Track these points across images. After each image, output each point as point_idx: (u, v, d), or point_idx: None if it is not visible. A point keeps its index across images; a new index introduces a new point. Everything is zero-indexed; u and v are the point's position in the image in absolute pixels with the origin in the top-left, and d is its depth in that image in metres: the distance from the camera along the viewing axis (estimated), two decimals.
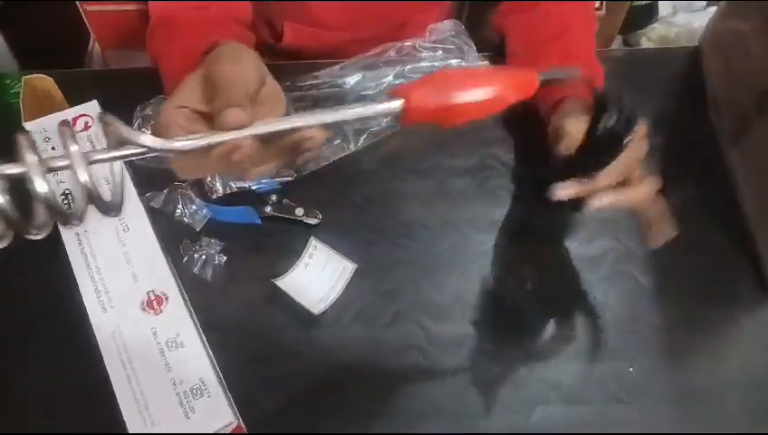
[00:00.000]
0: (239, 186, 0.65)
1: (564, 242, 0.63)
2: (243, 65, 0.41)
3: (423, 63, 0.73)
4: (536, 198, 0.66)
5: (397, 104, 0.39)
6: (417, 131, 0.71)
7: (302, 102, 0.71)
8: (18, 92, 0.69)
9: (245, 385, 0.52)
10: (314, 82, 0.72)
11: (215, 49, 0.43)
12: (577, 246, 0.63)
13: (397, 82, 0.72)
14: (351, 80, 0.72)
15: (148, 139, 0.35)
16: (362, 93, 0.71)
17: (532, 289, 0.55)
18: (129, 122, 0.66)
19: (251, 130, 0.37)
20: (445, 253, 0.63)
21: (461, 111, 0.41)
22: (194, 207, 0.63)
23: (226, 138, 0.36)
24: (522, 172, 0.69)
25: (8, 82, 0.72)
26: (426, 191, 0.67)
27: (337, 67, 0.73)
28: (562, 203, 0.55)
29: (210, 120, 0.40)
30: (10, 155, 0.31)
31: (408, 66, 0.73)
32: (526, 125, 0.71)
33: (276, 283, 0.58)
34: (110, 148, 0.35)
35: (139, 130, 0.65)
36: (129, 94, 0.67)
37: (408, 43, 0.74)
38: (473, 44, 0.75)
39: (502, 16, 0.75)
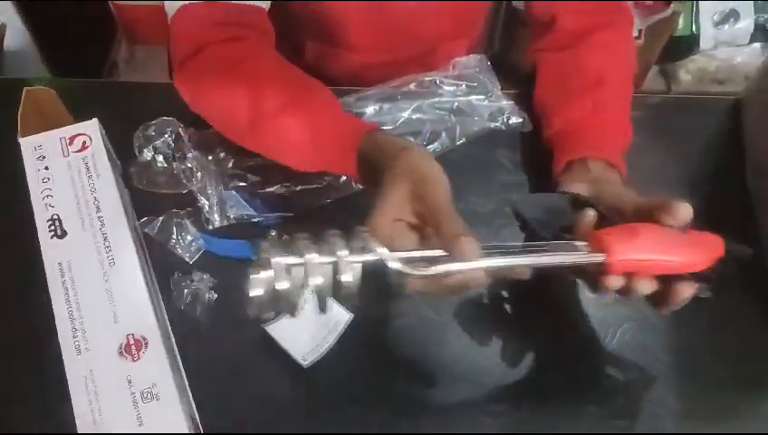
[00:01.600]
0: (237, 216, 0.62)
1: (581, 305, 0.59)
2: (445, 185, 0.46)
3: (444, 99, 0.70)
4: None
5: (599, 257, 0.45)
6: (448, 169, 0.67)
7: None
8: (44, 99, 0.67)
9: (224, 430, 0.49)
10: None
11: (404, 155, 0.48)
12: (593, 309, 0.59)
13: (414, 117, 0.68)
14: (368, 110, 0.69)
15: (398, 264, 0.41)
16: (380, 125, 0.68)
17: (545, 351, 0.51)
18: (128, 140, 0.63)
19: (486, 262, 0.42)
20: (446, 307, 0.59)
21: (655, 268, 0.46)
22: (189, 237, 0.60)
23: (465, 267, 0.41)
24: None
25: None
26: None
27: (353, 97, 0.70)
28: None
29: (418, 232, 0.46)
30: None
31: (428, 101, 0.69)
32: (545, 169, 0.67)
33: (266, 328, 0.55)
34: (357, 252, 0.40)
35: (139, 151, 0.62)
36: (135, 109, 0.65)
37: (430, 78, 0.70)
38: (497, 82, 0.71)
39: (535, 46, 0.71)
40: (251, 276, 0.40)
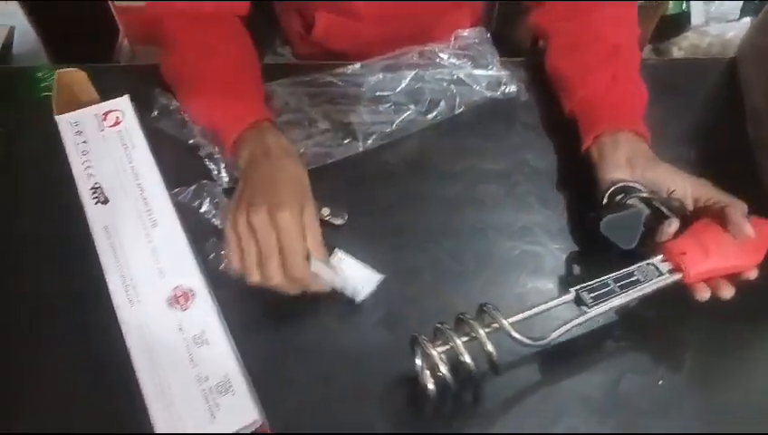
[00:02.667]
0: None
1: (598, 248, 0.62)
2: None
3: (444, 69, 0.73)
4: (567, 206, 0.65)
5: (676, 277, 0.54)
6: (445, 134, 0.71)
7: (318, 98, 0.71)
8: (49, 86, 0.70)
9: (270, 385, 0.52)
10: (333, 79, 0.73)
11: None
12: (611, 253, 0.61)
13: (416, 86, 0.72)
14: (371, 79, 0.72)
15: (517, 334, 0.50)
16: (379, 93, 0.72)
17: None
18: (147, 116, 0.67)
19: (591, 313, 0.53)
20: (471, 260, 0.62)
21: (725, 272, 0.54)
22: (220, 203, 0.62)
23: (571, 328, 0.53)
24: (551, 178, 0.68)
25: (39, 75, 0.73)
26: (453, 195, 0.66)
27: (358, 66, 0.73)
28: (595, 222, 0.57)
29: None
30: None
31: (429, 71, 0.72)
32: (557, 129, 0.70)
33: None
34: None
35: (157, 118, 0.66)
36: (154, 90, 0.68)
37: (431, 48, 0.73)
38: (497, 54, 0.74)
39: (542, 16, 0.74)
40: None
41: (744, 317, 0.57)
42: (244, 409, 0.45)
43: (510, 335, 0.50)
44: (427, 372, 0.49)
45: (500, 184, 0.67)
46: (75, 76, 0.64)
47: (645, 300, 0.55)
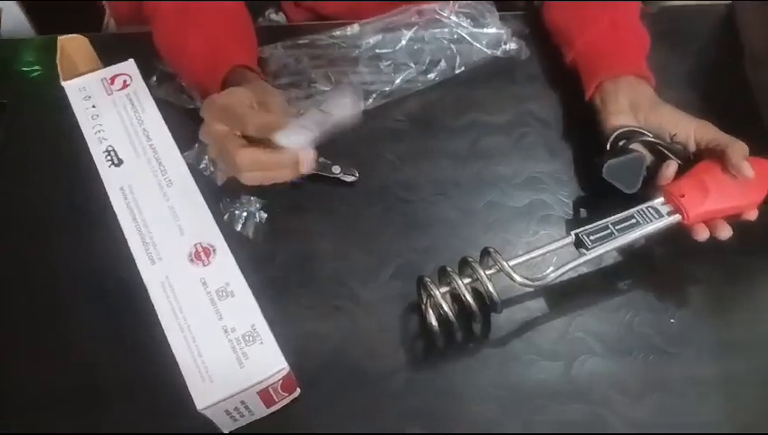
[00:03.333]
0: None
1: (604, 193, 0.63)
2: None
3: (444, 29, 0.72)
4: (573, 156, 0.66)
5: (675, 219, 0.55)
6: (450, 92, 0.71)
7: (318, 60, 0.71)
8: (31, 60, 0.70)
9: (291, 339, 0.53)
10: (332, 41, 0.72)
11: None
12: (617, 197, 0.62)
13: (415, 46, 0.71)
14: (370, 39, 0.72)
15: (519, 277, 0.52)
16: (378, 52, 0.71)
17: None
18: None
19: (589, 256, 0.54)
20: (480, 211, 0.63)
21: (725, 213, 0.55)
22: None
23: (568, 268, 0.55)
24: (557, 128, 0.68)
25: (22, 48, 0.73)
26: (460, 149, 0.67)
27: (356, 26, 0.73)
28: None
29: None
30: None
31: (428, 31, 0.72)
32: (561, 80, 0.71)
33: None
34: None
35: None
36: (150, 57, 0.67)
37: (430, 7, 0.73)
38: (496, 13, 0.74)
39: None
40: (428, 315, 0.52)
41: (752, 251, 0.59)
42: (273, 357, 0.46)
43: (510, 276, 0.51)
44: (431, 311, 0.52)
45: (506, 136, 0.68)
46: (77, 42, 0.64)
47: (653, 238, 0.56)
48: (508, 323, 0.57)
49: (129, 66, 0.61)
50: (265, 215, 0.61)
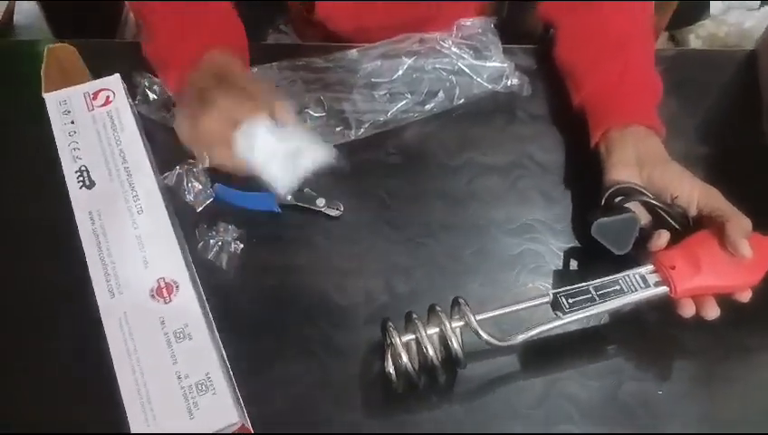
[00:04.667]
0: None
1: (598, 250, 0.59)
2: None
3: (444, 59, 0.70)
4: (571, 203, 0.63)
5: (662, 291, 0.52)
6: (447, 126, 0.68)
7: (313, 84, 0.69)
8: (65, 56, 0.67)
9: (255, 382, 0.51)
10: (328, 64, 0.70)
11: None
12: (610, 262, 0.59)
13: (414, 75, 0.69)
14: (367, 66, 0.69)
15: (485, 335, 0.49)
16: (374, 80, 0.69)
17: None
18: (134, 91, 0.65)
19: (567, 319, 0.52)
20: (468, 257, 0.60)
21: (715, 291, 0.52)
22: (198, 185, 0.60)
23: (553, 325, 0.52)
24: (557, 173, 0.65)
25: (41, 50, 0.71)
26: (453, 189, 0.64)
27: (354, 51, 0.70)
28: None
29: None
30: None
31: (428, 60, 0.69)
32: (564, 122, 0.68)
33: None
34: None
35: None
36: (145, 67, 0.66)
37: (432, 36, 0.70)
38: (500, 45, 0.71)
39: (550, 5, 0.71)
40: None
41: (745, 325, 0.55)
42: (225, 409, 0.43)
43: (475, 332, 0.49)
44: (390, 359, 0.49)
45: (502, 178, 0.65)
46: (66, 51, 0.62)
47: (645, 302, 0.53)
48: (480, 380, 0.54)
49: (114, 82, 0.59)
50: (241, 245, 0.58)
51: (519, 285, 0.59)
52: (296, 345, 0.55)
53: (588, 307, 0.51)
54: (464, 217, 0.62)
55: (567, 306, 0.51)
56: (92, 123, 0.56)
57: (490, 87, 0.68)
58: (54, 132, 0.56)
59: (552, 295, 0.52)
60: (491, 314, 0.51)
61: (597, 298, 0.51)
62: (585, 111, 0.64)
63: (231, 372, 0.49)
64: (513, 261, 0.60)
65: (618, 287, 0.52)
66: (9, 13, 1.23)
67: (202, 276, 0.54)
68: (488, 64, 0.69)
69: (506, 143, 0.67)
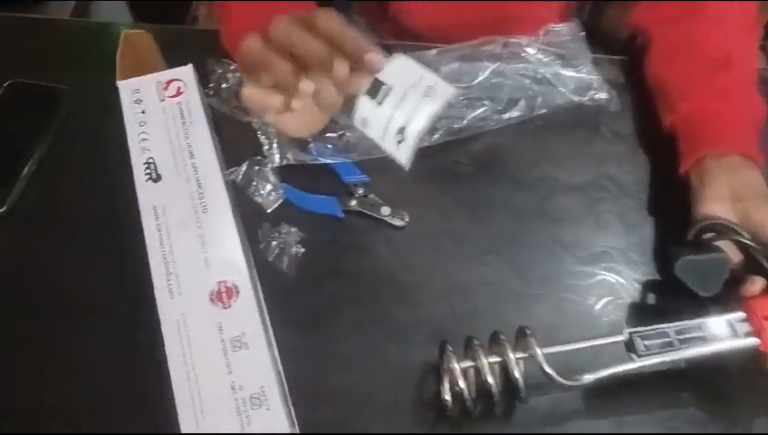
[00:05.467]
0: (298, 159, 0.60)
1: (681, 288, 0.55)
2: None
3: (528, 65, 0.66)
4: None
5: (751, 343, 0.47)
6: (523, 137, 0.65)
7: None
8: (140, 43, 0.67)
9: (304, 391, 0.49)
10: None
11: None
12: (694, 302, 0.55)
13: (494, 80, 0.65)
14: (445, 68, 0.66)
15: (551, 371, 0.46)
16: (453, 84, 0.64)
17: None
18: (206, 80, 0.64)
19: (640, 363, 0.48)
20: (535, 281, 0.57)
21: None
22: (269, 186, 0.59)
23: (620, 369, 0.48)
24: (639, 198, 0.61)
25: (116, 32, 0.71)
26: (524, 205, 0.61)
27: (433, 52, 0.67)
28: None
29: None
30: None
31: (510, 66, 0.65)
32: (652, 143, 0.63)
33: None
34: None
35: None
36: (219, 55, 0.64)
37: (516, 41, 0.66)
38: (589, 54, 0.66)
39: (644, 15, 0.66)
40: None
41: None
42: (278, 427, 0.42)
43: (541, 367, 0.46)
44: (446, 384, 0.47)
45: (579, 198, 0.61)
46: (141, 38, 0.61)
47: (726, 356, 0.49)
48: (540, 413, 0.50)
49: (186, 72, 0.58)
50: (302, 249, 0.57)
51: (589, 316, 0.55)
52: (349, 356, 0.53)
53: (666, 352, 0.47)
54: (534, 236, 0.59)
55: (643, 349, 0.47)
56: (162, 114, 0.56)
57: (575, 99, 0.64)
58: (125, 121, 0.55)
59: (627, 335, 0.48)
60: (559, 350, 0.48)
61: (676, 343, 0.48)
62: (676, 133, 0.59)
63: (285, 383, 0.47)
64: (585, 289, 0.56)
65: (701, 334, 0.48)
66: None
67: (261, 277, 0.53)
68: (574, 74, 0.65)
69: (586, 160, 0.63)
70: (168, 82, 0.58)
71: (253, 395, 0.43)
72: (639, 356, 0.47)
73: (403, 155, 0.49)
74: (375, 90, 0.48)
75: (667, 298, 0.56)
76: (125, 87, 0.57)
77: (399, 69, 0.48)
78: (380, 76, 0.47)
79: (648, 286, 0.56)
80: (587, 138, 0.64)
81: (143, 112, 0.56)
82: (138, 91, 0.57)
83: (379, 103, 0.48)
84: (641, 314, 0.55)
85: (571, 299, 0.56)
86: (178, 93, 0.57)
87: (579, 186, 0.62)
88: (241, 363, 0.44)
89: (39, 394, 0.51)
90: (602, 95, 0.64)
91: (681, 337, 0.48)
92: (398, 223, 0.59)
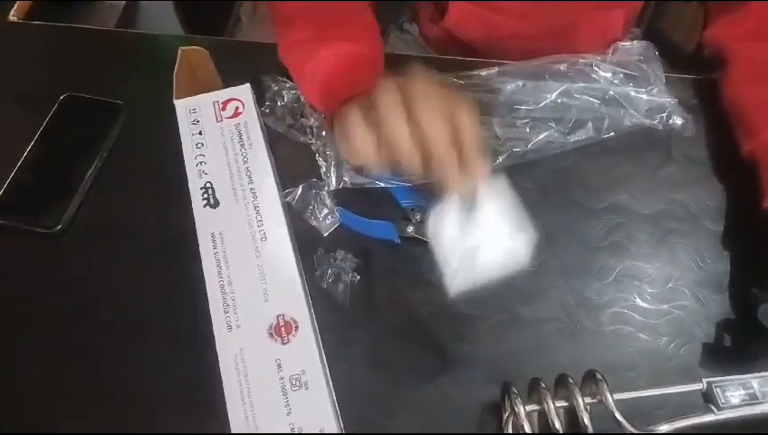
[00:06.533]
0: (354, 182, 0.58)
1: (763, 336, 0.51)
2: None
3: (596, 85, 0.62)
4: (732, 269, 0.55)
5: None
6: (590, 161, 0.61)
7: None
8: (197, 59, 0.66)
9: (359, 428, 0.47)
10: (465, 82, 0.64)
11: None
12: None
13: (560, 101, 0.62)
14: (508, 87, 0.63)
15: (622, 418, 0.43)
16: (516, 106, 0.62)
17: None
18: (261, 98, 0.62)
19: None
20: (603, 317, 0.54)
21: None
22: (325, 209, 0.57)
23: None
24: (715, 230, 0.57)
25: (164, 44, 0.71)
26: (591, 234, 0.58)
27: (494, 70, 0.64)
28: None
29: None
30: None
31: (578, 85, 0.62)
32: (730, 171, 0.59)
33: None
34: None
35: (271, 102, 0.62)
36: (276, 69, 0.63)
37: (585, 60, 0.63)
38: (662, 75, 0.62)
39: (724, 30, 0.62)
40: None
41: None
42: None
43: (612, 414, 0.43)
44: (510, 428, 0.45)
45: (648, 228, 0.58)
46: (198, 55, 0.60)
47: None
48: None
49: (244, 91, 0.56)
50: (358, 277, 0.55)
51: (660, 356, 0.52)
52: (407, 394, 0.51)
53: (748, 405, 0.44)
54: (600, 268, 0.56)
55: (722, 400, 0.44)
56: (220, 136, 0.54)
57: (646, 122, 0.61)
58: (183, 143, 0.54)
59: (705, 384, 0.45)
60: (630, 396, 0.45)
61: (759, 396, 0.44)
62: (759, 160, 0.55)
63: (342, 423, 0.46)
64: (654, 329, 0.53)
65: None
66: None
67: (315, 306, 0.52)
68: (646, 97, 0.61)
69: (657, 188, 0.60)
70: (226, 102, 0.56)
71: None
72: (720, 409, 0.44)
73: (455, 285, 0.45)
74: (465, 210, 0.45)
75: (745, 343, 0.52)
76: (182, 106, 0.56)
77: (494, 196, 0.45)
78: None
79: (722, 328, 0.53)
80: (658, 162, 0.61)
81: (200, 133, 0.54)
82: (195, 111, 0.56)
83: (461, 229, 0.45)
84: (716, 357, 0.52)
85: (642, 338, 0.53)
86: (236, 114, 0.56)
87: (649, 215, 0.58)
88: (300, 403, 0.43)
89: (83, 421, 0.50)
90: (677, 120, 0.61)
91: (766, 389, 0.45)
92: None
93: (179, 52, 0.58)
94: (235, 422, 0.42)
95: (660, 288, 0.55)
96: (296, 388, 0.43)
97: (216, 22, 1.48)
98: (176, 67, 0.58)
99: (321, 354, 0.47)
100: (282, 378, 0.44)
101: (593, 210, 0.59)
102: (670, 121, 0.60)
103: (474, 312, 0.54)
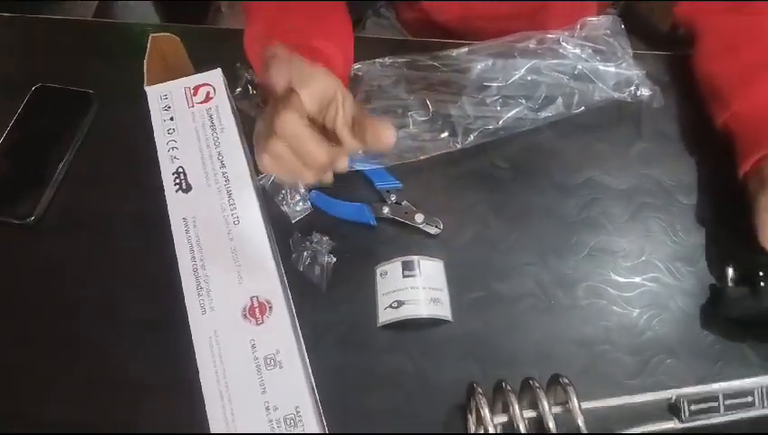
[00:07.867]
0: None
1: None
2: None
3: (565, 61, 0.62)
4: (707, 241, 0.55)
5: None
6: (562, 138, 0.62)
7: (417, 84, 0.63)
8: (168, 46, 0.66)
9: (340, 412, 0.48)
10: (435, 63, 0.64)
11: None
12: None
13: (529, 78, 0.62)
14: (478, 65, 0.63)
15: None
16: (486, 84, 0.62)
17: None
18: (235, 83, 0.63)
19: None
20: (580, 292, 0.54)
21: None
22: (297, 196, 0.57)
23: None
24: (688, 204, 0.58)
25: (138, 33, 0.70)
26: (565, 211, 0.58)
27: (464, 49, 0.64)
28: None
29: None
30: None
31: (546, 62, 0.62)
32: (702, 143, 0.60)
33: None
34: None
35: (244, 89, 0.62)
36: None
37: (552, 36, 0.63)
38: (629, 48, 0.63)
39: (692, 5, 0.63)
40: None
41: None
42: None
43: (576, 423, 0.42)
44: (473, 427, 0.45)
45: (623, 204, 0.58)
46: (169, 42, 0.60)
47: None
48: None
49: (215, 76, 0.56)
50: (334, 259, 0.55)
51: (633, 329, 0.53)
52: (384, 372, 0.51)
53: (710, 416, 0.45)
54: (574, 245, 0.57)
55: (687, 414, 0.45)
56: (192, 121, 0.54)
57: (615, 95, 0.61)
58: (154, 129, 0.54)
59: (674, 396, 0.45)
60: (597, 405, 0.45)
61: (722, 409, 0.45)
62: (732, 131, 0.56)
63: (319, 403, 0.46)
64: (630, 301, 0.54)
65: (749, 399, 0.45)
66: None
67: (291, 288, 0.52)
68: (614, 70, 0.61)
69: (630, 163, 0.60)
70: (197, 87, 0.56)
71: (287, 416, 0.42)
72: (682, 421, 0.45)
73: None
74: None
75: (713, 317, 0.53)
76: (153, 92, 0.56)
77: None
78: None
79: (694, 300, 0.54)
80: (629, 138, 0.62)
81: (172, 119, 0.54)
82: (166, 97, 0.55)
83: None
84: (685, 332, 0.52)
85: (614, 311, 0.53)
86: (208, 99, 0.55)
87: (622, 190, 0.59)
88: (275, 382, 0.43)
89: (63, 406, 0.51)
90: (644, 91, 0.61)
91: (729, 402, 0.45)
92: (432, 231, 0.57)
93: (150, 38, 0.58)
94: (210, 401, 0.42)
95: (634, 262, 0.55)
96: (271, 367, 0.43)
97: (196, 14, 1.46)
98: (147, 54, 0.58)
99: (297, 335, 0.47)
100: (257, 358, 0.44)
101: (567, 186, 0.59)
102: (638, 93, 0.61)
103: (450, 289, 0.55)
